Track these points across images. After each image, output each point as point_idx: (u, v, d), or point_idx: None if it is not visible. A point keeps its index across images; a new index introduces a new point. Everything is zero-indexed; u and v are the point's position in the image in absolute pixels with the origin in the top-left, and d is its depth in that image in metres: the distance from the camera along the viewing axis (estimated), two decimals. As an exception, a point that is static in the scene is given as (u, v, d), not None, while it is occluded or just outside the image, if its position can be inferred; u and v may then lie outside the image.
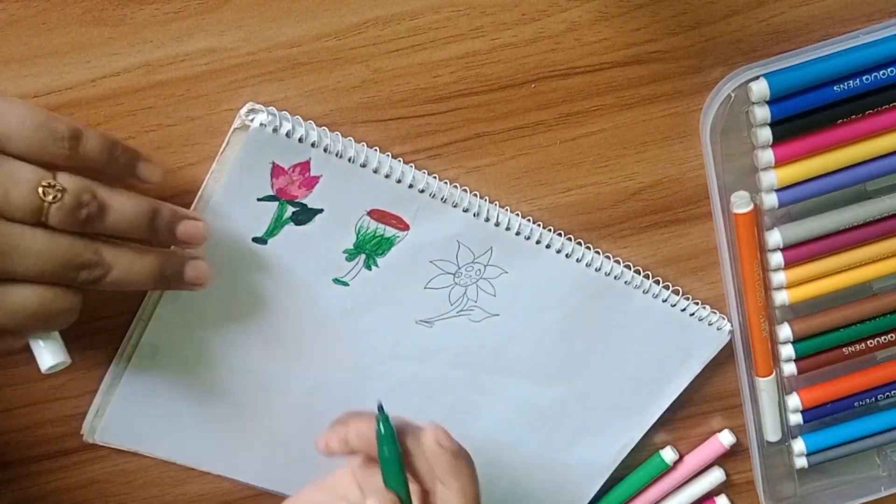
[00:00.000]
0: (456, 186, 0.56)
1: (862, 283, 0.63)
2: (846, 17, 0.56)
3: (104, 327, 0.56)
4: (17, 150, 0.44)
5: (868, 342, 0.64)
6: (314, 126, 0.53)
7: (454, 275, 0.58)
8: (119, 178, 0.48)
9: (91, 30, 0.50)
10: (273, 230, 0.55)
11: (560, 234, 0.59)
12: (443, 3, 0.52)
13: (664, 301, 0.61)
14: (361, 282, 0.57)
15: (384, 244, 0.56)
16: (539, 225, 0.58)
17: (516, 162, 0.57)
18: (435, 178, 0.56)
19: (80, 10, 0.49)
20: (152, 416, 0.60)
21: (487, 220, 0.56)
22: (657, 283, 0.61)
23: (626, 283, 0.60)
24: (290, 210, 0.54)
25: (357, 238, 0.56)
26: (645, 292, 0.61)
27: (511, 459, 0.66)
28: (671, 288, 0.62)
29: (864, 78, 0.55)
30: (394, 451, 0.53)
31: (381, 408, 0.53)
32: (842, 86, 0.55)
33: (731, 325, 0.64)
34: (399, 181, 0.54)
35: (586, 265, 0.59)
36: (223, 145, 0.52)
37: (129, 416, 0.59)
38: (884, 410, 0.67)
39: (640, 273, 0.61)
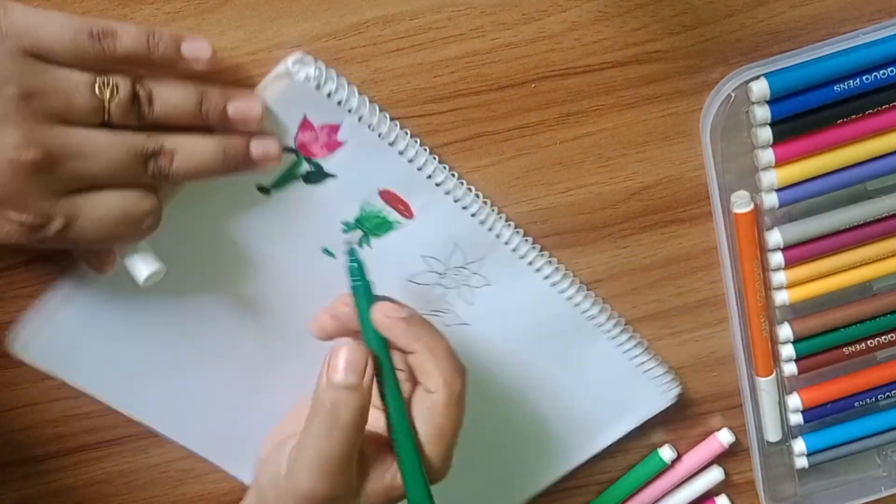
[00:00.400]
0: (470, 189, 0.56)
1: (862, 283, 0.63)
2: (846, 17, 0.56)
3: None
4: (62, 58, 0.45)
5: (868, 342, 0.64)
6: (356, 93, 0.52)
7: (440, 274, 0.58)
8: (166, 64, 0.48)
9: (91, 30, 0.50)
10: (281, 182, 0.54)
11: (552, 262, 0.59)
12: (443, 3, 0.52)
13: (625, 352, 0.62)
14: None
15: (384, 226, 0.56)
16: (536, 248, 0.58)
17: (516, 162, 0.57)
18: (454, 175, 0.55)
19: (81, 11, 0.49)
20: (87, 342, 0.56)
21: (490, 229, 0.56)
22: (625, 332, 0.62)
23: (597, 325, 0.61)
24: (305, 167, 0.53)
25: (360, 213, 0.55)
26: (612, 339, 0.62)
27: None
28: (637, 340, 0.63)
29: (864, 78, 0.55)
30: (361, 287, 0.52)
31: (352, 249, 0.53)
32: (842, 85, 0.55)
33: (679, 389, 0.65)
34: (420, 169, 0.54)
35: (567, 298, 0.60)
36: (259, 86, 0.51)
37: (62, 336, 0.56)
38: (884, 410, 0.67)
39: (613, 318, 0.61)
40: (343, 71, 0.52)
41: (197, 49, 0.48)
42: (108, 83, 0.46)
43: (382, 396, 0.52)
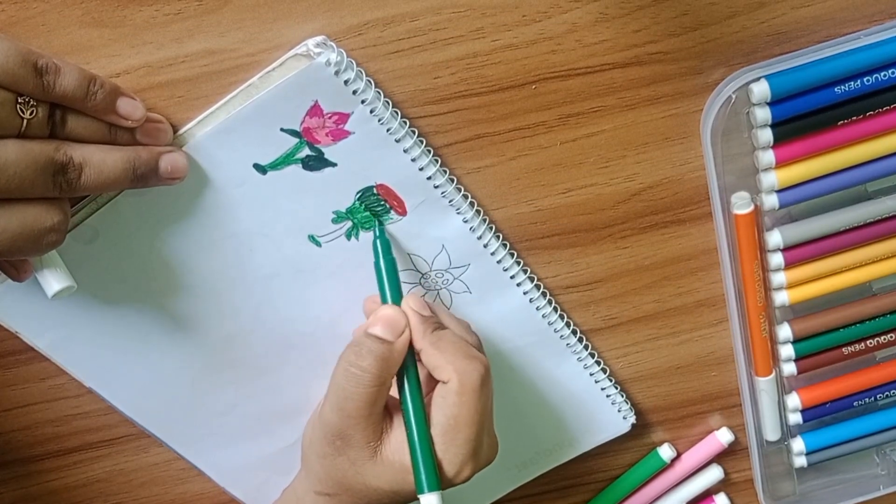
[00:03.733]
0: (465, 196, 0.56)
1: (862, 283, 0.63)
2: (847, 19, 0.55)
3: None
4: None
5: (868, 342, 0.64)
6: (372, 85, 0.52)
7: (423, 275, 0.58)
8: (97, 114, 0.48)
9: (91, 31, 0.49)
10: (278, 164, 0.53)
11: (532, 279, 0.59)
12: (443, 5, 0.52)
13: (591, 374, 0.63)
14: (334, 249, 0.56)
15: (374, 220, 0.56)
16: (519, 262, 0.59)
17: (517, 163, 0.57)
18: (453, 180, 0.56)
19: (80, 12, 0.49)
20: (54, 303, 0.53)
21: (479, 238, 0.57)
22: (591, 356, 0.63)
23: (567, 344, 0.62)
24: (305, 152, 0.53)
25: (353, 204, 0.55)
26: (579, 360, 0.63)
27: None
28: (601, 365, 0.63)
29: (864, 79, 0.55)
30: (389, 263, 0.55)
31: (380, 222, 0.55)
32: (842, 87, 0.55)
33: (634, 418, 0.66)
34: (421, 169, 0.54)
35: (542, 316, 0.60)
36: (275, 63, 0.51)
37: (31, 294, 0.54)
38: (883, 410, 0.68)
39: (581, 341, 0.62)
40: (343, 72, 0.52)
41: (132, 108, 0.48)
42: (28, 101, 0.45)
43: (399, 378, 0.53)
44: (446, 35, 0.52)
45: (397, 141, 0.53)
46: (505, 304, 0.60)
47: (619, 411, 0.65)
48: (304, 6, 0.50)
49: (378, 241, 0.55)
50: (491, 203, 0.58)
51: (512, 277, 0.59)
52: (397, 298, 0.54)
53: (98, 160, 0.48)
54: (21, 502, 0.63)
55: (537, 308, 0.60)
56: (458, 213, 0.56)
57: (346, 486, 0.54)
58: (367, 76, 0.52)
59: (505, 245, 0.58)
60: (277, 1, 0.50)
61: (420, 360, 0.54)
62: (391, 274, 0.55)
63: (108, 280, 0.55)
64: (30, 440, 0.61)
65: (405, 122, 0.53)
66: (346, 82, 0.51)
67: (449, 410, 0.52)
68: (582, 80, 0.55)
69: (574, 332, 0.62)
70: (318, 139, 0.53)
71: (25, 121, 0.45)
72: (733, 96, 0.55)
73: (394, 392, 0.54)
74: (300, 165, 0.53)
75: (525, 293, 0.60)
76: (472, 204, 0.56)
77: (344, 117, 0.52)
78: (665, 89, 0.56)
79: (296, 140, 0.53)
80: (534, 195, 0.58)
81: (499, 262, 0.58)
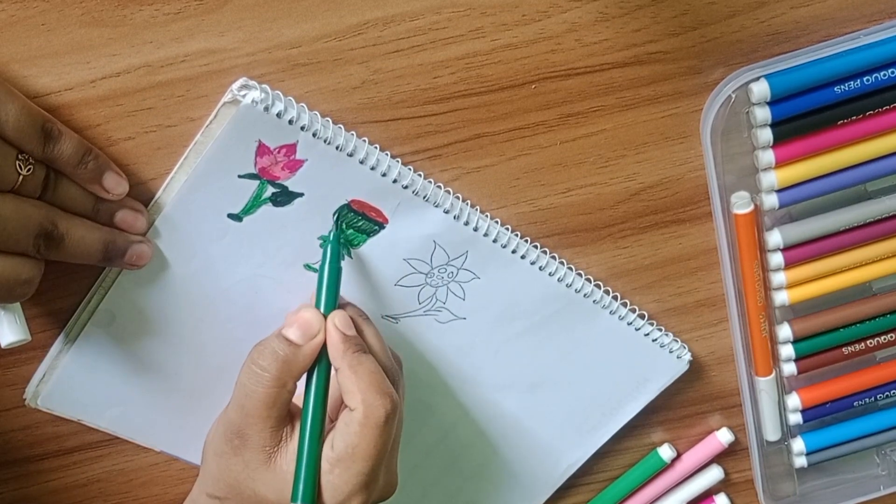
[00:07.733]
0: (440, 187, 0.56)
1: (862, 283, 0.63)
2: (847, 18, 0.55)
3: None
4: (5, 134, 0.47)
5: (868, 342, 0.64)
6: (306, 109, 0.52)
7: (426, 275, 0.58)
8: (86, 182, 0.50)
9: (91, 30, 0.50)
10: (250, 208, 0.54)
11: (536, 246, 0.59)
12: (443, 4, 0.52)
13: (629, 324, 0.62)
14: None
15: (360, 236, 0.56)
16: (517, 234, 0.58)
17: (517, 162, 0.57)
18: (420, 175, 0.55)
19: (80, 11, 0.49)
20: (100, 386, 0.58)
21: (466, 223, 0.56)
22: (624, 305, 0.62)
23: (594, 301, 0.60)
24: (270, 190, 0.53)
25: (334, 227, 0.56)
26: (612, 313, 0.61)
27: (456, 466, 0.66)
28: (637, 312, 0.62)
29: (864, 79, 0.55)
30: (333, 271, 0.54)
31: (337, 227, 0.55)
32: (842, 87, 0.55)
33: (690, 355, 0.64)
34: (384, 175, 0.54)
35: (558, 280, 0.59)
36: (210, 117, 0.51)
37: (76, 384, 0.58)
38: (883, 410, 0.68)
39: (608, 293, 0.61)
40: (343, 72, 0.52)
41: (115, 183, 0.51)
42: (27, 159, 0.48)
43: (307, 385, 0.53)
44: (446, 34, 0.52)
45: (350, 155, 0.53)
46: (516, 278, 0.59)
47: (670, 352, 0.63)
48: (304, 5, 0.51)
49: (329, 247, 0.55)
50: (491, 203, 0.58)
51: (513, 252, 0.58)
52: (329, 308, 0.54)
53: (79, 236, 0.50)
54: (21, 502, 0.63)
55: (550, 273, 0.59)
56: (436, 207, 0.55)
57: (236, 491, 0.53)
58: (298, 102, 0.52)
59: (496, 221, 0.58)
60: (277, 0, 0.50)
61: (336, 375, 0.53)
62: (332, 281, 0.54)
63: (138, 352, 0.57)
64: (30, 440, 0.61)
65: (352, 134, 0.53)
66: (278, 115, 0.51)
67: (349, 439, 0.51)
68: (581, 80, 0.55)
69: (598, 286, 0.61)
70: (276, 175, 0.53)
71: (22, 177, 0.47)
72: (733, 96, 0.55)
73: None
74: (270, 204, 0.54)
75: (532, 262, 0.58)
76: (447, 193, 0.56)
77: (291, 148, 0.52)
78: (665, 89, 0.56)
79: (257, 182, 0.53)
80: (533, 195, 0.58)
81: (494, 240, 0.57)
